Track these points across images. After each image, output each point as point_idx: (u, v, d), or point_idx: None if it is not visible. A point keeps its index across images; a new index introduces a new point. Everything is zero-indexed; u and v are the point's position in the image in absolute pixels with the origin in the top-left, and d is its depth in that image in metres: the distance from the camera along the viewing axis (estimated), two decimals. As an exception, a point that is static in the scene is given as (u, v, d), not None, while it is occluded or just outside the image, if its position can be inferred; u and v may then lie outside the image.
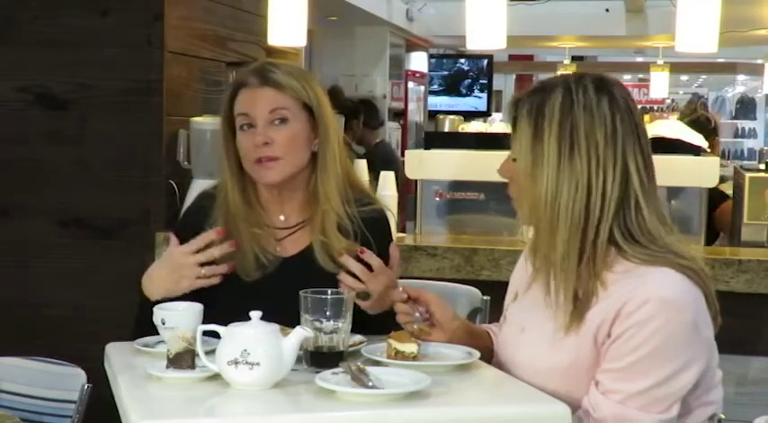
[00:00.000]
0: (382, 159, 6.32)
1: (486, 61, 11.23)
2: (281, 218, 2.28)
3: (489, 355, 2.09)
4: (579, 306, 1.80)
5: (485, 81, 11.29)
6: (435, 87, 11.18)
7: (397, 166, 5.66)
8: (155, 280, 2.17)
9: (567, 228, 1.78)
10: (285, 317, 1.89)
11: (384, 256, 2.17)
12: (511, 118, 1.87)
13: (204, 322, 1.88)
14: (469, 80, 11.28)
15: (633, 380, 1.76)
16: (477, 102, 11.24)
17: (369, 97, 8.03)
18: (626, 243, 1.80)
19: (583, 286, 1.81)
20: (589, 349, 1.80)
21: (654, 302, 1.74)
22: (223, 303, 2.09)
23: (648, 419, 1.76)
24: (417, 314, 2.01)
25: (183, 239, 2.23)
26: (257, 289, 2.20)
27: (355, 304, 1.99)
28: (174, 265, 2.15)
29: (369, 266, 2.12)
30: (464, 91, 11.26)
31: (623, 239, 1.80)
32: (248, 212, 2.24)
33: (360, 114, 6.98)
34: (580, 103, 1.80)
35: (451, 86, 11.27)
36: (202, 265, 2.15)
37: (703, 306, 1.80)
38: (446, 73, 11.33)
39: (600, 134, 1.79)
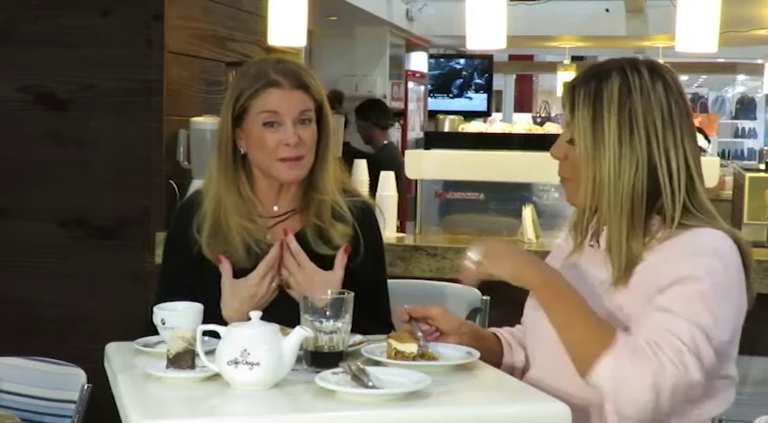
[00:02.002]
0: (388, 161, 6.31)
1: (478, 61, 10.98)
2: (275, 208, 2.33)
3: (496, 358, 2.11)
4: (624, 272, 1.85)
5: (479, 81, 11.09)
6: (428, 87, 11.02)
7: (400, 169, 5.64)
8: (234, 313, 2.18)
9: (631, 205, 1.84)
10: (279, 301, 2.06)
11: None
12: (567, 101, 1.92)
13: (204, 320, 1.89)
14: (461, 80, 11.12)
15: (681, 322, 1.76)
16: (468, 103, 10.98)
17: (375, 97, 8.02)
18: (682, 216, 1.86)
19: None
20: (637, 304, 1.82)
21: (706, 255, 1.80)
22: (218, 295, 2.20)
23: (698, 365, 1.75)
24: (420, 333, 2.02)
25: (177, 236, 2.33)
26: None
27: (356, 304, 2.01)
28: (251, 296, 2.20)
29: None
30: (455, 91, 11.09)
31: (681, 215, 1.85)
32: (239, 202, 2.27)
33: (370, 114, 7.00)
34: (637, 88, 1.87)
35: (443, 86, 11.13)
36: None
37: (743, 273, 1.85)
38: (438, 73, 11.19)
39: (657, 117, 1.86)
